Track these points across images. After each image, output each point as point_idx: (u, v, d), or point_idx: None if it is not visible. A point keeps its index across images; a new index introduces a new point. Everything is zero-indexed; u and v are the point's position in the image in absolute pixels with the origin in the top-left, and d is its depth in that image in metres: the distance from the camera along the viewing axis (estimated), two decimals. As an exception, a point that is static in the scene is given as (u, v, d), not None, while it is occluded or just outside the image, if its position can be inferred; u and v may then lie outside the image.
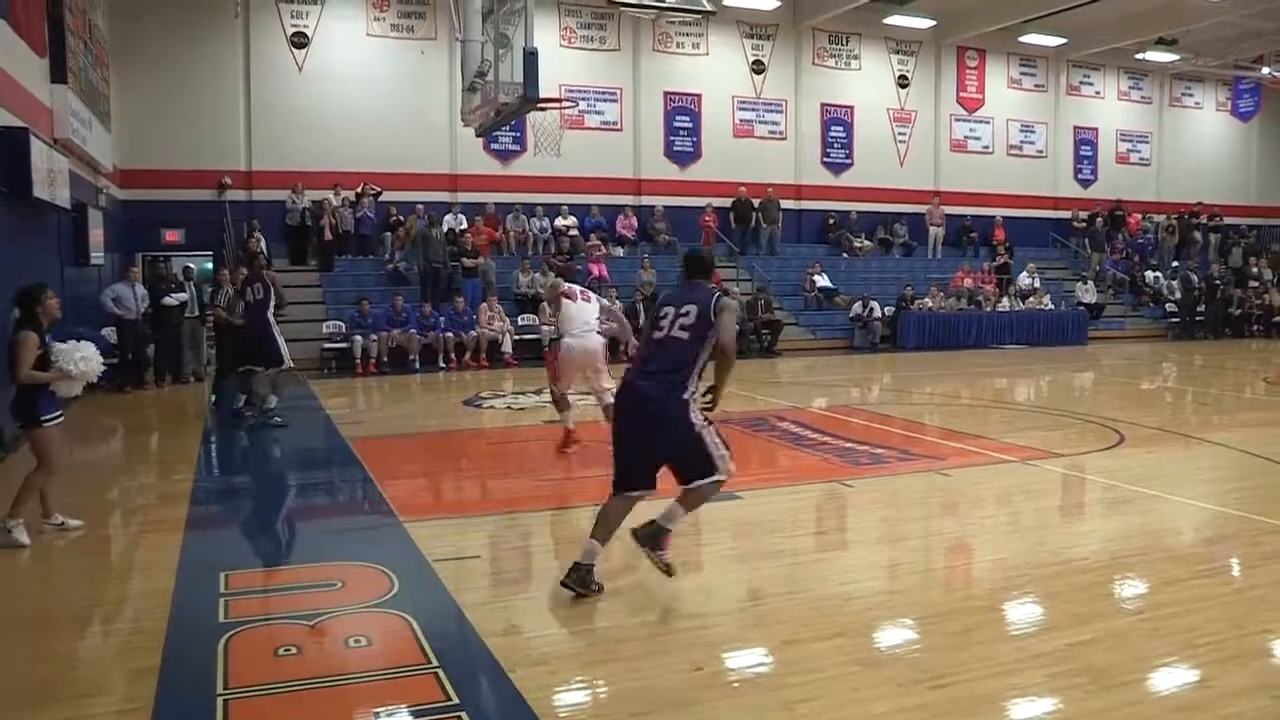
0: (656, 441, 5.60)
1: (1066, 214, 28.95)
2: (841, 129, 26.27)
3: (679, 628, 5.37)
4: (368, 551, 6.71)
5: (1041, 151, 29.02)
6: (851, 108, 26.37)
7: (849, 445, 10.45)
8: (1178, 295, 26.65)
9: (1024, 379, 17.76)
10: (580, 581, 5.71)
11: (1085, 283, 26.38)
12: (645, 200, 24.24)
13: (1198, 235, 30.00)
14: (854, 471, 9.15)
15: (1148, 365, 19.99)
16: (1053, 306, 25.00)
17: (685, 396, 5.57)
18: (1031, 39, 27.10)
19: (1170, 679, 4.80)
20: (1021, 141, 28.73)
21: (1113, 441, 10.69)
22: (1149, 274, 27.73)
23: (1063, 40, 27.22)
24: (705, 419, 5.63)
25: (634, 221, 23.91)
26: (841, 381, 16.93)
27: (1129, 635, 5.26)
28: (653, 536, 5.78)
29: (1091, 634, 5.24)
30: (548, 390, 10.86)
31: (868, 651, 5.08)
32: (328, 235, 20.65)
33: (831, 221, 26.01)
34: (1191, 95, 31.79)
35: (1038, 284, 25.47)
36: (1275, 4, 23.64)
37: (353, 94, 21.66)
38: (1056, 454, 10.01)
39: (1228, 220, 31.71)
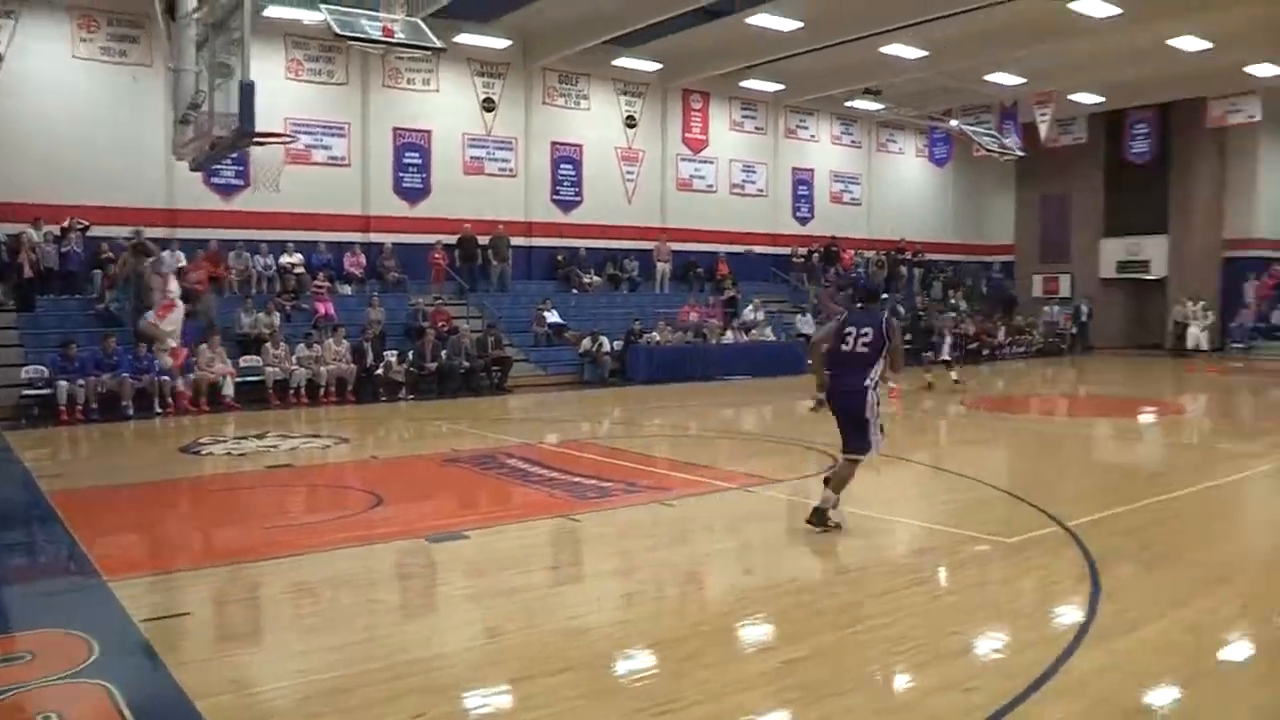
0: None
1: (786, 250, 30.59)
2: (571, 167, 26.74)
3: (406, 673, 5.25)
4: (65, 617, 6.20)
5: (762, 190, 30.55)
6: (581, 146, 26.90)
7: (577, 480, 10.54)
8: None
9: (748, 408, 18.52)
10: (820, 520, 8.09)
11: (804, 314, 27.86)
12: (374, 237, 23.76)
13: (904, 270, 32.37)
14: (581, 506, 9.24)
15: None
16: (774, 338, 26.28)
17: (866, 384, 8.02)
18: (752, 84, 28.56)
19: (877, 684, 5.12)
20: (744, 181, 30.14)
21: (828, 466, 11.27)
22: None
23: (781, 86, 28.83)
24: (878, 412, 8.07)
25: (362, 259, 23.38)
26: (572, 416, 17.11)
27: (842, 647, 5.58)
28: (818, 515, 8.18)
29: (808, 649, 5.51)
30: (271, 434, 10.42)
31: (596, 684, 5.13)
32: (27, 272, 19.05)
33: (561, 258, 26.34)
34: (895, 142, 34.41)
35: (761, 316, 26.72)
36: (961, 66, 26.02)
37: (55, 120, 20.09)
38: (777, 480, 10.48)
39: (929, 256, 34.50)
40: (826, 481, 8.30)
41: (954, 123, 28.74)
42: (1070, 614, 6.11)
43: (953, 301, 31.50)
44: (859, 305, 8.51)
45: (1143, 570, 7.08)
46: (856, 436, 8.09)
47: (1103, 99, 29.92)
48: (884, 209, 33.83)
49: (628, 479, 10.62)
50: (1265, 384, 23.21)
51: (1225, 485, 10.57)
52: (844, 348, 8.09)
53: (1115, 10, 21.07)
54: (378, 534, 8.18)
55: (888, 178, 34.18)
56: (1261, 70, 26.58)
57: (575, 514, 8.87)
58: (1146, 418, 17.36)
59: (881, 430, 8.10)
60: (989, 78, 27.33)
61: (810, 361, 8.98)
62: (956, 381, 20.68)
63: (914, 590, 6.63)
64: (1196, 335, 26.58)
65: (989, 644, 5.67)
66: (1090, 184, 35.41)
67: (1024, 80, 27.55)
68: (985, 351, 30.15)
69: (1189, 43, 23.76)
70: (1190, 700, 4.92)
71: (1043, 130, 29.00)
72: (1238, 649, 5.65)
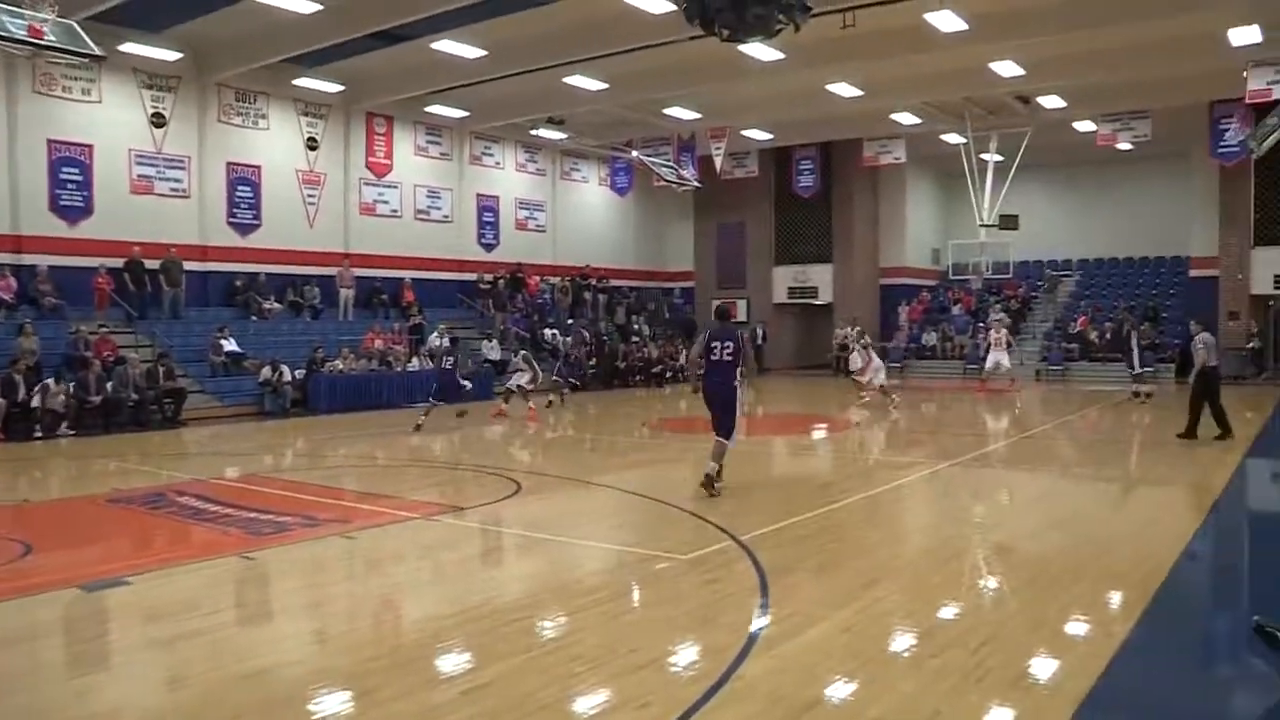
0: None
1: (472, 276, 30.53)
2: (249, 189, 25.49)
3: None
4: None
5: (448, 216, 30.35)
6: (259, 167, 25.70)
7: (253, 516, 10.01)
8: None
9: (435, 436, 18.31)
10: (710, 485, 10.71)
11: (490, 340, 27.89)
12: (26, 259, 21.66)
13: (588, 295, 33.10)
14: (257, 543, 8.78)
15: (547, 415, 21.49)
16: (460, 365, 26.10)
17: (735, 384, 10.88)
18: (437, 110, 28.30)
19: (557, 707, 5.13)
20: (429, 207, 29.83)
21: (511, 490, 11.33)
22: (547, 331, 30.01)
23: (466, 113, 28.74)
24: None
25: (12, 283, 21.25)
26: (250, 449, 16.26)
27: (524, 672, 5.56)
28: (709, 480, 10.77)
29: (491, 675, 5.46)
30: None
31: (266, 730, 4.85)
32: None
33: (239, 284, 25.06)
34: (579, 170, 35.20)
35: (446, 343, 26.44)
36: (640, 99, 26.99)
37: None
38: (459, 507, 10.38)
39: (613, 282, 35.47)
40: (714, 457, 11.04)
41: (634, 153, 29.79)
42: (742, 623, 6.40)
43: (636, 327, 32.54)
44: (720, 325, 11.18)
45: (808, 577, 7.53)
46: (727, 421, 11.00)
47: (772, 135, 31.93)
48: (569, 236, 34.51)
49: (308, 513, 10.19)
50: (917, 400, 25.45)
51: (882, 493, 11.47)
52: (713, 357, 10.92)
53: (779, 55, 22.58)
54: (25, 585, 7.42)
55: (572, 205, 34.91)
56: (904, 119, 29.34)
57: (250, 552, 8.40)
58: (816, 434, 18.60)
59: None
60: (667, 111, 28.52)
61: (688, 369, 12.13)
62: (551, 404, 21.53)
63: (595, 610, 6.73)
64: (855, 358, 28.82)
65: (665, 658, 5.84)
66: (763, 215, 37.72)
67: (700, 115, 28.95)
68: (669, 374, 31.33)
69: (844, 89, 25.83)
70: (850, 692, 5.27)
71: (718, 163, 30.58)
72: (888, 643, 6.11)
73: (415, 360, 25.36)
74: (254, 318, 24.59)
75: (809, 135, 32.40)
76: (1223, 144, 26.51)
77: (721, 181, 33.55)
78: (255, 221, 25.57)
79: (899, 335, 35.49)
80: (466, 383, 20.88)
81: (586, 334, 28.98)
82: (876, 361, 23.37)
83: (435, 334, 26.50)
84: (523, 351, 22.55)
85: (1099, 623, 6.47)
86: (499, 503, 10.73)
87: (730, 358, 10.91)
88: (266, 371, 22.10)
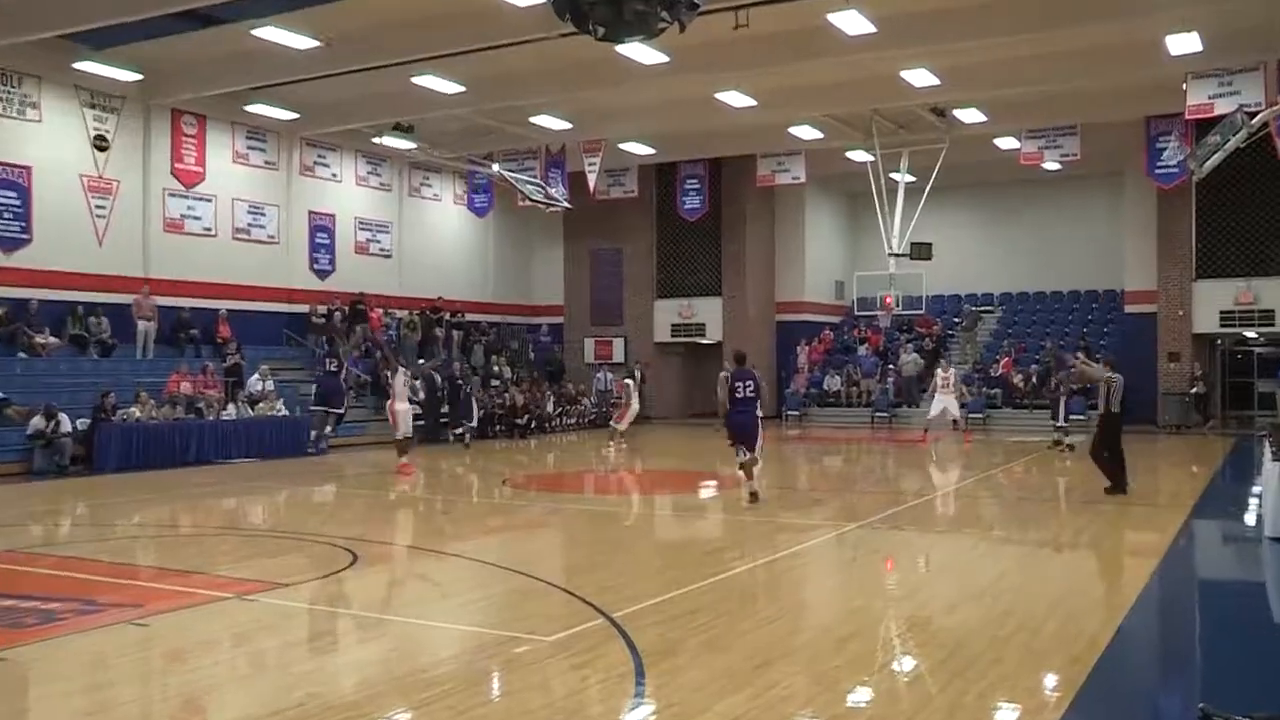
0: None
1: (304, 307, 29.96)
2: (16, 195, 24.16)
3: None
4: None
5: (274, 237, 29.72)
6: (29, 169, 24.39)
7: (10, 603, 9.44)
8: (421, 395, 28.72)
9: (254, 498, 17.76)
10: (755, 499, 15.27)
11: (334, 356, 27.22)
12: None
13: (440, 332, 32.79)
14: (15, 637, 8.27)
15: (390, 473, 21.08)
16: (287, 412, 25.53)
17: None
18: (260, 109, 27.53)
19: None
20: (251, 224, 29.16)
21: (345, 563, 11.05)
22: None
23: (295, 115, 28.03)
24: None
25: None
26: (13, 518, 15.49)
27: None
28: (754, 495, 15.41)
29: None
30: None
31: None
32: None
33: (3, 312, 23.88)
34: (430, 186, 34.97)
35: (270, 387, 25.87)
36: (503, 105, 26.94)
37: None
38: (281, 584, 10.06)
39: (470, 317, 35.25)
40: (745, 472, 15.56)
41: (496, 168, 29.69)
42: (613, 716, 6.28)
43: (495, 369, 32.34)
44: (739, 367, 15.79)
45: (692, 660, 7.46)
46: (755, 442, 15.60)
47: (654, 150, 32.26)
48: (418, 262, 34.20)
49: (87, 596, 9.71)
50: (819, 451, 25.81)
51: (780, 560, 11.51)
52: (738, 395, 15.42)
53: (663, 59, 22.81)
54: None
55: (422, 226, 34.64)
56: (804, 133, 29.96)
57: (1, 650, 7.90)
58: (705, 492, 18.69)
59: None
60: (534, 120, 28.56)
61: (718, 409, 16.07)
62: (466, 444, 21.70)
63: (442, 705, 6.53)
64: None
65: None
66: (643, 241, 38.05)
67: (571, 125, 29.06)
68: (533, 424, 31.17)
69: (736, 98, 26.25)
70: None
71: (591, 181, 30.74)
72: (786, 739, 6.07)
73: (232, 407, 24.68)
74: (23, 354, 23.48)
75: (696, 150, 32.85)
76: (1160, 164, 27.55)
77: (596, 202, 33.69)
78: (23, 236, 24.31)
79: (797, 379, 36.05)
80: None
81: (437, 377, 28.61)
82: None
83: (255, 376, 25.90)
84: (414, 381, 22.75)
85: (1025, 711, 6.54)
86: (331, 577, 10.44)
87: (753, 394, 15.48)
88: (38, 421, 21.12)
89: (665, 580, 10.21)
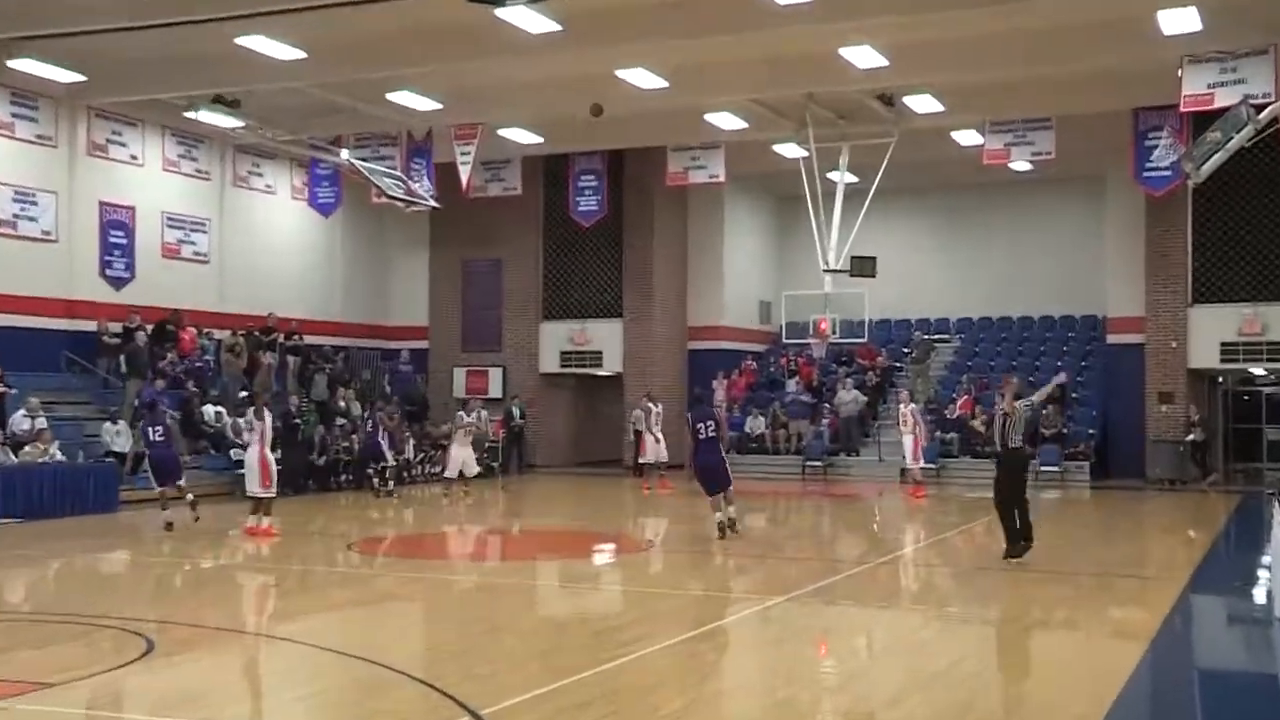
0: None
1: (91, 325, 29.29)
2: None
3: None
4: None
5: (49, 233, 28.78)
6: None
7: None
8: (244, 438, 28.13)
9: (17, 570, 17.18)
10: (734, 527, 19.04)
11: (115, 423, 26.55)
12: None
13: (272, 358, 32.22)
14: None
15: (196, 537, 20.51)
16: (64, 458, 24.75)
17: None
18: (28, 67, 25.99)
19: None
20: (18, 215, 28.13)
21: (139, 652, 10.77)
22: (209, 409, 28.98)
23: (80, 77, 26.78)
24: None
25: None
26: None
27: None
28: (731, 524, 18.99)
29: None
30: None
31: None
32: None
33: None
34: (262, 175, 34.48)
35: (41, 425, 25.13)
36: (354, 77, 26.60)
37: None
38: (46, 684, 9.63)
39: (310, 339, 34.74)
40: (722, 505, 18.84)
41: (345, 155, 29.39)
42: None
43: (342, 404, 31.92)
44: (700, 407, 20.01)
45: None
46: (726, 479, 18.87)
47: (541, 139, 32.13)
48: (245, 271, 33.61)
49: None
50: (739, 508, 25.77)
51: (693, 641, 11.47)
52: (701, 437, 18.72)
53: (554, 27, 22.74)
54: None
55: (251, 226, 34.08)
56: (724, 121, 30.13)
57: None
58: (600, 558, 18.70)
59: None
60: (393, 97, 28.27)
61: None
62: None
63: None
64: (655, 448, 29.10)
65: None
66: (527, 250, 38.01)
67: (440, 105, 28.85)
68: (388, 474, 30.60)
69: (642, 78, 26.26)
70: None
71: (464, 175, 30.50)
72: None
73: (-7, 449, 23.94)
74: None
75: (593, 140, 32.74)
76: (1150, 166, 27.86)
77: (470, 202, 33.50)
78: None
79: (715, 420, 36.08)
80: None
81: (268, 414, 28.13)
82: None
83: (21, 411, 25.08)
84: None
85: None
86: (117, 672, 10.12)
87: (714, 433, 18.86)
88: None
89: (549, 667, 10.13)
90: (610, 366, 37.35)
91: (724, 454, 19.18)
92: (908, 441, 27.07)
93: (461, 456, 26.47)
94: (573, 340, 37.67)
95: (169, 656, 10.85)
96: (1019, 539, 16.08)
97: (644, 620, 12.81)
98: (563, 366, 37.96)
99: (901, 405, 27.81)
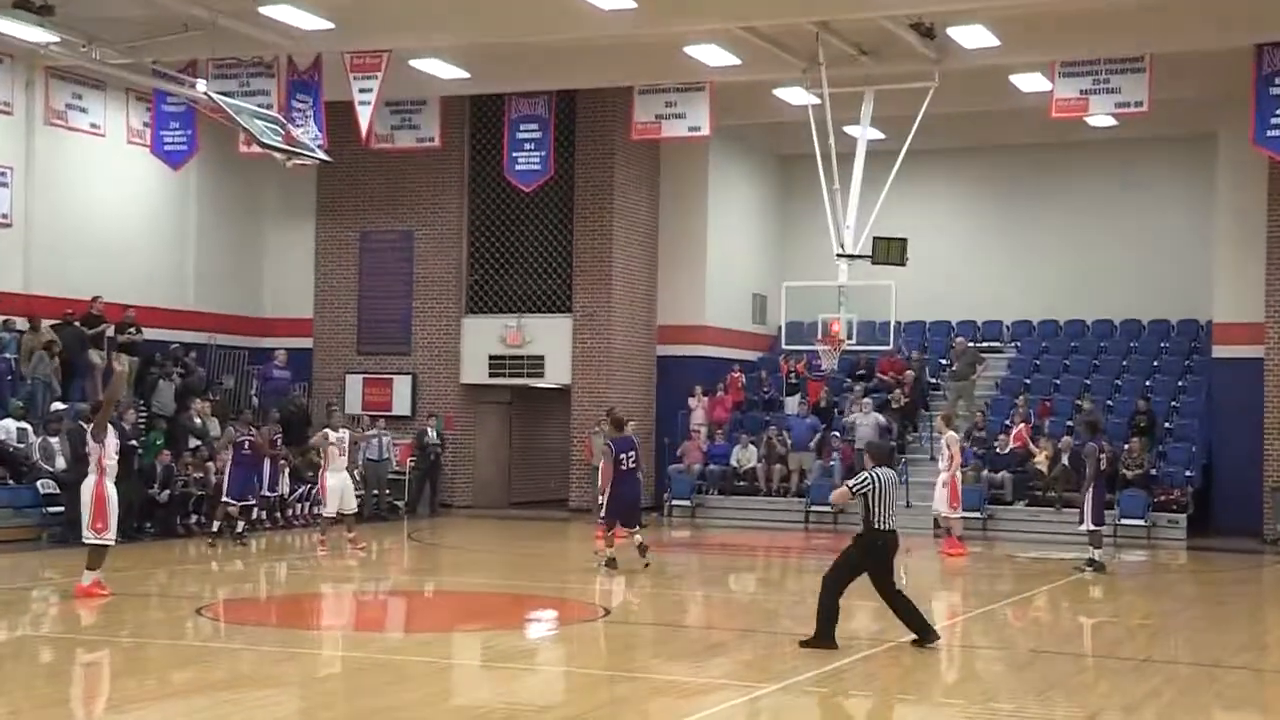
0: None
1: None
2: None
3: None
4: None
5: None
6: None
7: None
8: (57, 463, 27.83)
9: None
10: (644, 553, 23.59)
11: None
12: None
13: (98, 357, 31.90)
14: None
15: (6, 590, 20.46)
16: None
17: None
18: None
19: None
20: None
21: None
22: (8, 424, 28.65)
23: None
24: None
25: None
26: None
27: None
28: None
29: None
30: None
31: None
32: None
33: None
34: (85, 111, 34.08)
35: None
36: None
37: None
38: None
39: (152, 334, 34.42)
40: (640, 547, 23.15)
41: (202, 86, 29.08)
42: None
43: (197, 421, 31.63)
44: (620, 435, 23.81)
45: None
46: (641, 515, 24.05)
47: (467, 75, 32.13)
48: (61, 240, 33.23)
49: None
50: (722, 566, 25.72)
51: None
52: (623, 468, 23.14)
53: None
54: None
55: (70, 179, 33.67)
56: (708, 55, 30.06)
57: None
58: (539, 628, 18.76)
59: None
60: (268, 11, 28.02)
61: (601, 484, 23.68)
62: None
63: None
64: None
65: None
66: (448, 222, 37.92)
67: (331, 25, 28.66)
68: (250, 518, 30.27)
69: (604, -7, 26.22)
70: None
71: (364, 119, 30.42)
72: None
73: None
74: None
75: (536, 77, 32.67)
76: (1277, 124, 27.59)
77: (373, 155, 33.42)
78: None
79: (689, 448, 35.97)
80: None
81: (112, 434, 27.77)
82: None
83: None
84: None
85: None
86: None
87: (635, 464, 23.27)
88: None
89: None
90: (555, 376, 37.38)
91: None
92: (944, 482, 26.97)
93: (338, 486, 26.10)
94: (506, 341, 37.57)
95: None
96: (827, 628, 15.99)
97: (592, 714, 12.72)
98: (492, 375, 37.89)
99: (937, 434, 27.70)
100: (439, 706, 13.43)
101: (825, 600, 16.05)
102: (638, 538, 23.55)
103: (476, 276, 38.18)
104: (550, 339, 37.34)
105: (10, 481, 27.71)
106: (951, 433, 28.10)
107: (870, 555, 16.03)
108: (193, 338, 36.41)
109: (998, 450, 33.72)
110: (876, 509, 15.81)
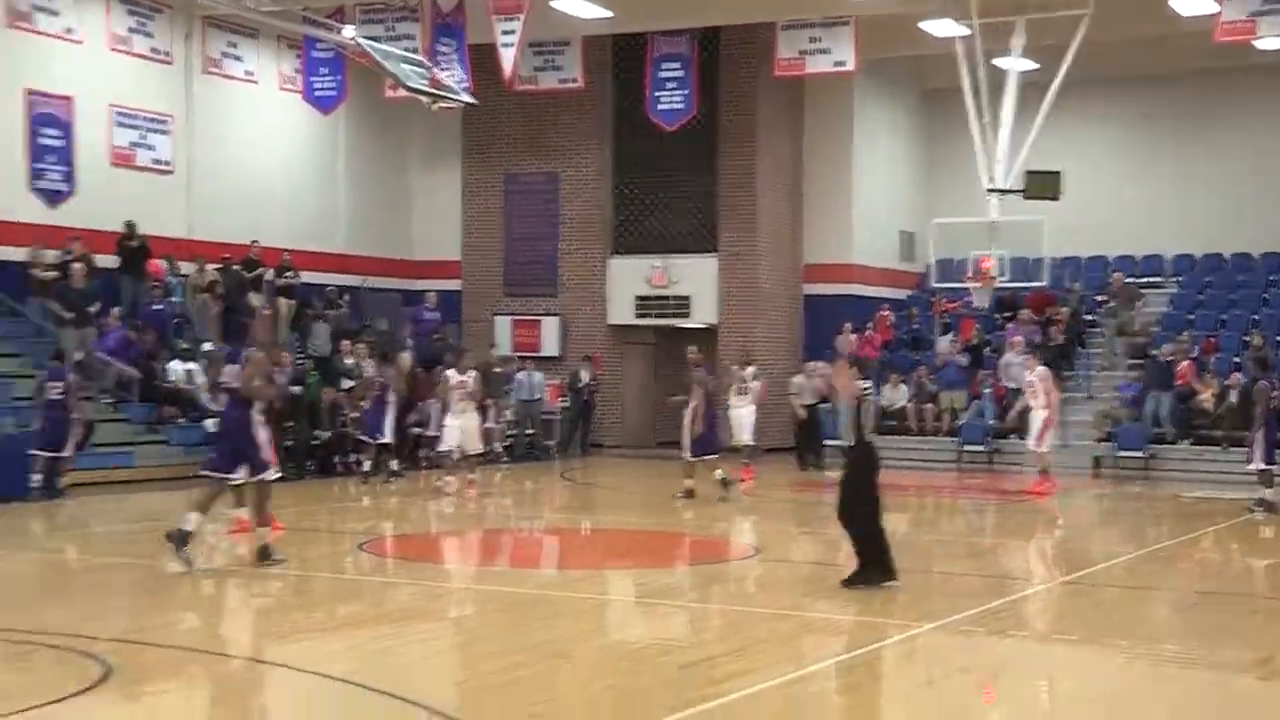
0: None
1: (19, 252, 29.65)
2: None
3: None
4: None
5: (-39, 133, 29.30)
6: None
7: None
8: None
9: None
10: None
11: (58, 379, 26.69)
12: None
13: (256, 300, 32.34)
14: None
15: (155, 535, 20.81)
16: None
17: None
18: None
19: None
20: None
21: (91, 680, 10.92)
22: (176, 365, 29.14)
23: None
24: None
25: None
26: None
27: None
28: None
29: None
30: None
31: None
32: None
33: None
34: (240, 59, 34.59)
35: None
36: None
37: None
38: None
39: (308, 277, 34.81)
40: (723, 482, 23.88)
41: (350, 32, 29.26)
42: None
43: (351, 362, 31.90)
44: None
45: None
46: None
47: (609, 14, 32.06)
48: (220, 186, 33.76)
49: None
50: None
51: (808, 680, 11.43)
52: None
53: None
54: None
55: (228, 126, 34.20)
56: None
57: None
58: (689, 567, 18.84)
59: None
60: (412, -45, 28.28)
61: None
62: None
63: None
64: (741, 418, 28.17)
65: None
66: (592, 163, 38.02)
67: (475, -35, 28.86)
68: (401, 453, 30.52)
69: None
70: None
71: (508, 61, 30.49)
72: None
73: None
74: None
75: (678, 15, 32.62)
76: None
77: (516, 97, 33.49)
78: None
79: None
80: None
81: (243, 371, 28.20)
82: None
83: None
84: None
85: None
86: (64, 704, 10.23)
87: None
88: None
89: (621, 708, 10.17)
90: (701, 316, 37.38)
91: None
92: (1038, 419, 26.56)
93: (460, 428, 26.05)
94: (651, 282, 37.62)
95: (132, 685, 10.97)
96: (876, 558, 15.66)
97: (744, 651, 12.64)
98: (638, 316, 38.02)
99: (1027, 372, 27.35)
100: (594, 642, 13.53)
101: (864, 535, 15.75)
102: (719, 471, 24.20)
103: (622, 217, 38.23)
104: (696, 279, 37.36)
105: (180, 421, 28.38)
106: (1041, 368, 27.75)
107: (870, 464, 15.81)
108: (346, 280, 36.82)
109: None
110: (868, 423, 15.71)
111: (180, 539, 15.79)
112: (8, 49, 29.82)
